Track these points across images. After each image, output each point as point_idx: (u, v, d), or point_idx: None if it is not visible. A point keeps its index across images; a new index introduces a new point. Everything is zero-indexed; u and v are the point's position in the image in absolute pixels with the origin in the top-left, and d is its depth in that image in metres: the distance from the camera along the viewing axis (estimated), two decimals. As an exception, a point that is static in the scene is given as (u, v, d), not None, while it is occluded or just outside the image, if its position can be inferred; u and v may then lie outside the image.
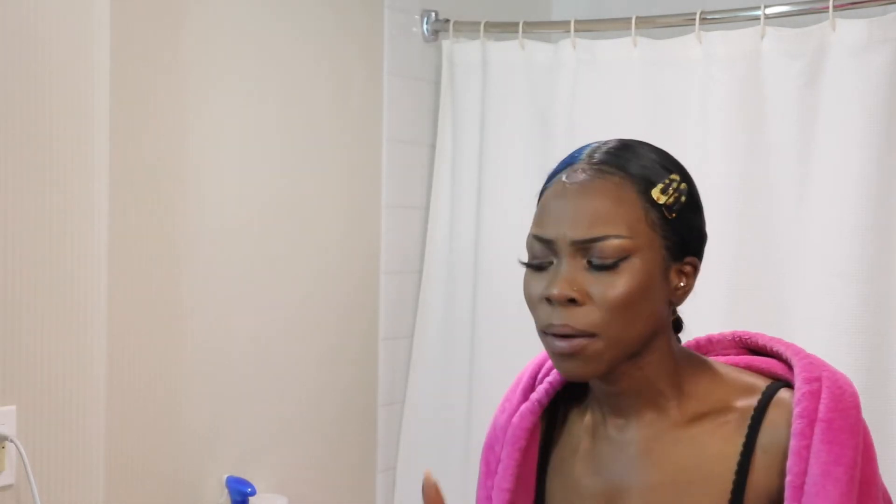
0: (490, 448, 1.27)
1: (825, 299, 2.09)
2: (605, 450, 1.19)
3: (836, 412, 1.08)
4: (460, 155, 2.58)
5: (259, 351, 2.23)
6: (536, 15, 2.88)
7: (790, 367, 1.16)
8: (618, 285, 1.09)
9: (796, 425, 1.08)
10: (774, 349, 1.21)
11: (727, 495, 1.11)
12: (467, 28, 2.57)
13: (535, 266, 1.14)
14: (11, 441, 1.60)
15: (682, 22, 2.31)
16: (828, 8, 2.09)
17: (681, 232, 1.13)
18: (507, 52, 2.52)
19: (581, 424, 1.24)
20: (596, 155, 1.15)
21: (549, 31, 2.70)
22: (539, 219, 1.15)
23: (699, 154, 2.20)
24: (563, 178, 1.14)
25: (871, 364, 2.05)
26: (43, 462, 1.65)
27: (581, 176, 1.13)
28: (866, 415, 1.13)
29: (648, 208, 1.11)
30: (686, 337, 1.26)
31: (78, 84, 1.68)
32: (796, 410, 1.09)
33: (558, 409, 1.27)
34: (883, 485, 1.14)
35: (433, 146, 2.64)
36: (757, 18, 2.18)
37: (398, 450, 2.58)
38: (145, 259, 1.98)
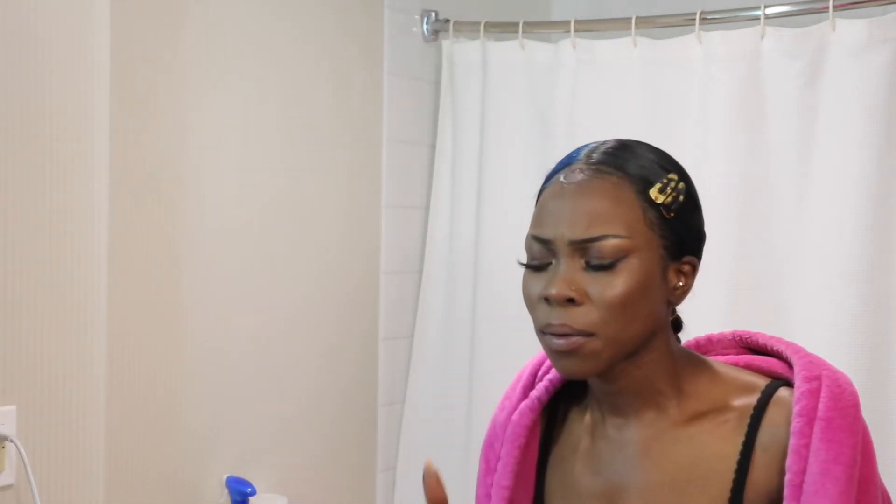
0: (490, 446, 1.27)
1: (825, 299, 2.09)
2: (605, 449, 1.19)
3: (836, 411, 1.08)
4: (460, 155, 2.58)
5: (259, 351, 2.23)
6: (536, 15, 2.88)
7: (790, 366, 1.16)
8: (616, 285, 1.09)
9: (795, 424, 1.09)
10: (774, 348, 1.21)
11: (727, 494, 1.11)
12: (467, 28, 2.57)
13: (534, 266, 1.14)
14: (11, 441, 1.60)
15: (682, 22, 2.31)
16: (828, 8, 2.10)
17: (679, 231, 1.13)
18: (507, 52, 2.52)
19: (581, 423, 1.24)
20: (594, 155, 1.15)
21: (549, 31, 2.70)
22: (537, 219, 1.15)
23: (699, 154, 2.20)
24: (561, 179, 1.15)
25: (871, 364, 2.05)
26: (43, 462, 1.65)
27: (579, 176, 1.13)
28: (866, 414, 1.13)
29: (646, 208, 1.11)
30: (686, 337, 1.27)
31: (78, 84, 1.68)
32: (796, 409, 1.09)
33: (558, 407, 1.27)
34: (882, 483, 1.14)
35: (433, 146, 2.64)
36: (757, 18, 2.18)
37: (398, 450, 2.58)
38: (145, 259, 1.98)
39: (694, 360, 1.19)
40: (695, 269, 1.16)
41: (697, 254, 1.17)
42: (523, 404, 1.25)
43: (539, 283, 1.12)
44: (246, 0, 2.18)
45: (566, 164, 1.17)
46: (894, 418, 2.03)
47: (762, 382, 1.16)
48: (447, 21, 2.59)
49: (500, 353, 2.44)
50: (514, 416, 1.24)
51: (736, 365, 1.22)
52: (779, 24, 2.18)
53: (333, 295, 2.40)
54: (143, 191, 1.98)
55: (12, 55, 1.60)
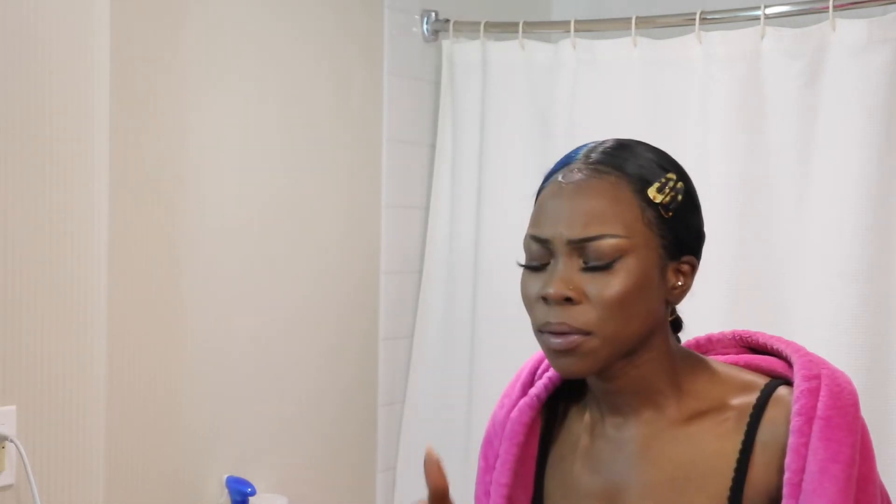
0: (489, 443, 1.27)
1: (825, 299, 2.09)
2: (604, 448, 1.19)
3: (835, 409, 1.08)
4: (460, 155, 2.58)
5: (259, 351, 2.23)
6: (536, 15, 2.88)
7: (790, 366, 1.16)
8: (613, 284, 1.09)
9: (795, 422, 1.09)
10: (774, 347, 1.21)
11: (726, 492, 1.11)
12: (467, 28, 2.57)
13: (533, 266, 1.14)
14: (11, 441, 1.60)
15: (682, 22, 2.31)
16: (828, 8, 2.10)
17: (677, 231, 1.13)
18: (507, 52, 2.52)
19: (580, 422, 1.24)
20: (592, 155, 1.16)
21: (549, 31, 2.70)
22: (535, 218, 1.15)
23: (699, 154, 2.20)
24: (560, 178, 1.15)
25: (871, 364, 2.05)
26: (43, 462, 1.65)
27: (577, 175, 1.14)
28: (866, 414, 1.13)
29: (644, 207, 1.12)
30: (686, 337, 1.27)
31: (78, 84, 1.68)
32: (795, 407, 1.09)
33: (558, 405, 1.27)
34: (881, 482, 1.14)
35: (433, 146, 2.64)
36: (757, 18, 2.18)
37: (398, 450, 2.58)
38: (145, 259, 1.98)
39: (693, 360, 1.19)
40: (694, 268, 1.16)
41: (697, 253, 1.17)
42: (522, 402, 1.25)
43: (537, 283, 1.13)
44: (246, 0, 2.18)
45: (565, 163, 1.17)
46: (894, 418, 2.03)
47: (761, 381, 1.16)
48: (447, 21, 2.59)
49: (500, 353, 2.44)
50: (513, 414, 1.25)
51: (736, 364, 1.22)
52: (779, 24, 2.18)
53: (333, 295, 2.40)
54: (143, 191, 1.98)
55: (12, 55, 1.60)
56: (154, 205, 2.00)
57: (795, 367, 1.14)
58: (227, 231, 2.15)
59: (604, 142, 1.18)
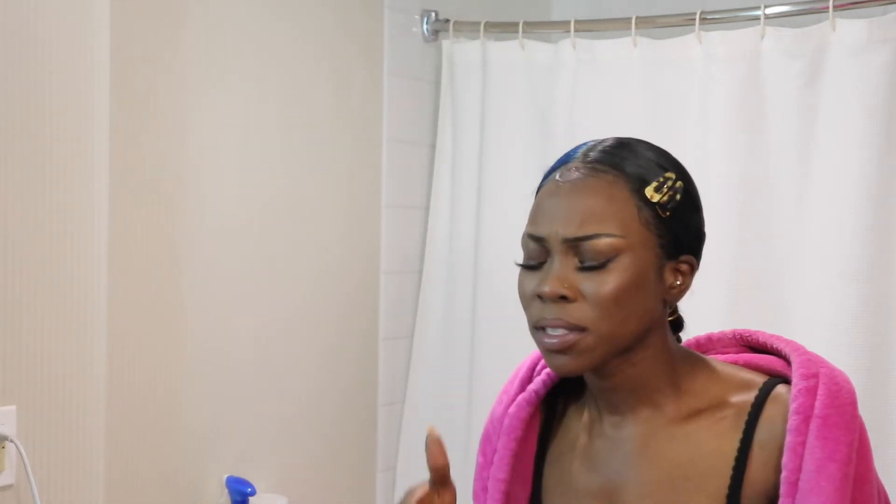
0: (487, 439, 1.28)
1: (825, 299, 2.09)
2: (602, 447, 1.20)
3: (833, 408, 1.09)
4: (460, 155, 2.58)
5: (259, 351, 2.23)
6: (536, 15, 2.88)
7: (790, 364, 1.16)
8: (609, 283, 1.10)
9: (792, 421, 1.09)
10: (774, 346, 1.21)
11: (724, 491, 1.11)
12: (467, 28, 2.57)
13: (530, 265, 1.15)
14: (11, 441, 1.60)
15: (682, 22, 2.31)
16: (828, 8, 2.10)
17: (676, 230, 1.13)
18: (507, 52, 2.52)
19: (579, 421, 1.24)
20: (591, 153, 1.16)
21: (549, 31, 2.70)
22: (533, 217, 1.16)
23: (699, 154, 2.20)
24: (557, 177, 1.15)
25: (871, 364, 2.05)
26: (43, 462, 1.65)
27: (574, 174, 1.14)
28: (866, 415, 1.13)
29: (641, 206, 1.12)
30: (686, 336, 1.27)
31: (78, 84, 1.68)
32: (792, 406, 1.10)
33: (557, 402, 1.27)
34: (879, 481, 1.14)
35: (433, 146, 2.64)
36: (757, 18, 2.18)
37: (398, 450, 2.58)
38: (145, 259, 1.98)
39: (691, 358, 1.19)
40: (693, 268, 1.16)
41: (696, 253, 1.17)
42: (520, 397, 1.25)
43: (533, 281, 1.13)
44: (246, 0, 2.18)
45: (563, 162, 1.18)
46: (894, 418, 2.03)
47: (760, 380, 1.16)
48: (447, 21, 2.59)
49: (500, 353, 2.44)
50: (512, 409, 1.25)
51: (735, 363, 1.22)
52: (779, 24, 2.18)
53: (333, 295, 2.40)
54: (143, 191, 1.98)
55: (12, 55, 1.60)
56: (154, 205, 2.00)
57: (794, 366, 1.14)
58: (227, 231, 2.15)
59: (603, 140, 1.18)
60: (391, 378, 2.57)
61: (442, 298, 2.59)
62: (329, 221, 2.38)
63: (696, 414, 1.15)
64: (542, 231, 1.13)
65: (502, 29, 2.54)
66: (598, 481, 1.19)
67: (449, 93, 2.60)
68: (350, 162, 2.43)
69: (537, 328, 1.13)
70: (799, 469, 1.07)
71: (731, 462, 1.12)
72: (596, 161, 1.14)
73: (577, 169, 1.14)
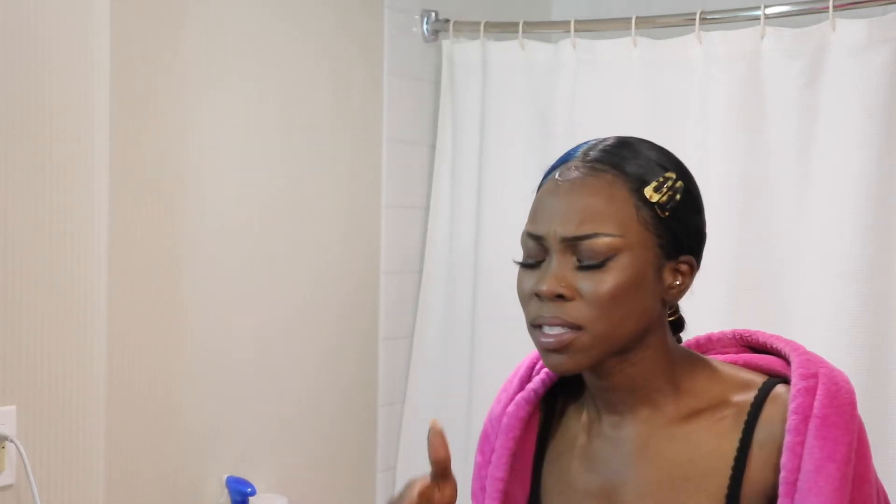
0: (485, 438, 1.28)
1: (825, 299, 2.09)
2: (601, 447, 1.20)
3: (832, 408, 1.09)
4: (460, 155, 2.58)
5: (259, 351, 2.23)
6: (536, 15, 2.88)
7: (790, 364, 1.16)
8: (606, 282, 1.10)
9: (791, 421, 1.09)
10: (774, 346, 1.21)
11: (724, 491, 1.11)
12: (467, 28, 2.57)
13: (529, 263, 1.15)
14: (11, 441, 1.60)
15: (682, 22, 2.31)
16: (828, 8, 2.09)
17: (675, 231, 1.13)
18: (507, 52, 2.52)
19: (578, 421, 1.24)
20: (591, 153, 1.16)
21: (549, 31, 2.70)
22: (532, 215, 1.16)
23: (699, 154, 2.19)
24: (557, 176, 1.16)
25: (871, 364, 2.05)
26: (43, 462, 1.65)
27: (574, 173, 1.14)
28: (866, 415, 1.13)
29: (640, 206, 1.12)
30: (686, 336, 1.27)
31: (78, 84, 1.68)
32: (791, 406, 1.10)
33: (556, 402, 1.27)
34: (878, 481, 1.14)
35: (433, 146, 2.64)
36: (757, 18, 2.18)
37: (398, 450, 2.58)
38: (145, 259, 1.98)
39: (691, 358, 1.19)
40: (693, 268, 1.16)
41: (696, 253, 1.17)
42: (519, 396, 1.25)
43: (532, 279, 1.13)
44: (246, 0, 2.18)
45: (564, 161, 1.18)
46: (894, 418, 2.03)
47: (759, 380, 1.16)
48: (447, 21, 2.59)
49: (500, 353, 2.44)
50: (510, 408, 1.25)
51: (735, 363, 1.22)
52: (779, 24, 2.18)
53: (333, 295, 2.40)
54: (143, 191, 1.98)
55: (12, 55, 1.60)
56: (154, 205, 2.00)
57: (793, 366, 1.14)
58: (227, 231, 2.15)
59: (605, 139, 1.18)
60: (391, 378, 2.56)
61: (442, 298, 2.59)
62: (329, 221, 2.38)
63: (695, 414, 1.15)
64: (540, 230, 1.13)
65: (502, 29, 2.54)
66: (598, 481, 1.19)
67: (449, 93, 2.60)
68: (350, 162, 2.43)
69: (535, 326, 1.13)
70: (798, 469, 1.07)
71: (730, 462, 1.12)
72: (596, 160, 1.14)
73: (577, 168, 1.14)
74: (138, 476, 1.99)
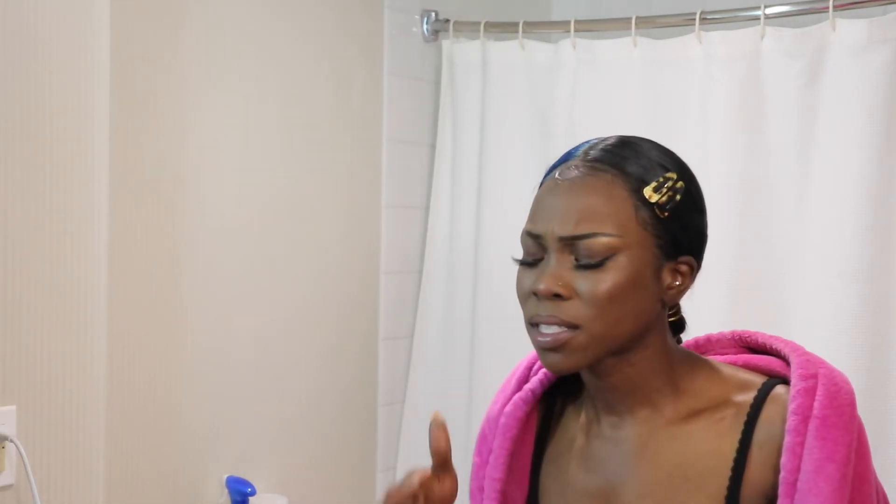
0: (483, 439, 1.27)
1: (825, 299, 2.09)
2: (600, 447, 1.19)
3: (831, 409, 1.09)
4: (460, 155, 2.58)
5: (259, 351, 2.23)
6: (536, 15, 2.88)
7: (789, 365, 1.16)
8: (604, 282, 1.10)
9: (791, 421, 1.09)
10: (773, 347, 1.21)
11: (723, 491, 1.11)
12: (467, 28, 2.57)
13: (528, 262, 1.15)
14: (11, 441, 1.60)
15: (682, 22, 2.31)
16: (828, 8, 2.09)
17: (674, 231, 1.13)
18: (507, 52, 2.52)
19: (576, 422, 1.24)
20: (591, 152, 1.16)
21: (549, 31, 2.70)
22: (531, 214, 1.16)
23: (699, 154, 2.19)
24: (557, 175, 1.16)
25: (871, 364, 2.04)
26: (43, 462, 1.65)
27: (573, 173, 1.14)
28: (866, 415, 1.13)
29: (639, 206, 1.11)
30: (686, 337, 1.26)
31: (78, 84, 1.68)
32: (791, 407, 1.10)
33: (555, 402, 1.27)
34: (878, 482, 1.14)
35: (433, 146, 2.64)
36: (757, 18, 2.18)
37: (398, 450, 2.58)
38: (145, 259, 1.98)
39: (691, 359, 1.19)
40: (693, 269, 1.16)
41: (696, 254, 1.16)
42: (517, 396, 1.25)
43: (530, 278, 1.13)
44: (246, 0, 2.18)
45: (565, 159, 1.18)
46: (894, 418, 2.03)
47: (759, 380, 1.16)
48: (447, 21, 2.59)
49: (500, 353, 2.44)
50: (507, 408, 1.25)
51: (734, 364, 1.22)
52: (779, 24, 2.18)
53: (333, 295, 2.40)
54: (143, 191, 1.98)
55: (12, 55, 1.60)
56: (154, 205, 2.00)
57: (793, 367, 1.14)
58: (227, 231, 2.15)
59: (606, 139, 1.18)
60: (391, 378, 2.56)
61: (442, 298, 2.59)
62: (329, 221, 2.38)
63: (694, 414, 1.15)
64: (539, 228, 1.13)
65: (502, 29, 2.54)
66: (597, 482, 1.19)
67: (449, 93, 2.60)
68: (350, 162, 2.43)
69: (532, 325, 1.13)
70: (797, 469, 1.07)
71: (729, 462, 1.12)
72: (596, 160, 1.14)
73: (577, 167, 1.14)
74: (138, 476, 1.99)
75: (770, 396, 1.13)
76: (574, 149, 1.19)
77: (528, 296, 1.13)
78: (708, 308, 2.04)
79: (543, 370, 1.26)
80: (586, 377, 1.19)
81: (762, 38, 2.18)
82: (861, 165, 2.06)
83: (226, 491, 2.15)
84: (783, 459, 1.08)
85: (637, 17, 2.33)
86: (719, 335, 1.29)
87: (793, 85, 2.15)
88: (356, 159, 2.45)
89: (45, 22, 1.63)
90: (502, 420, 1.25)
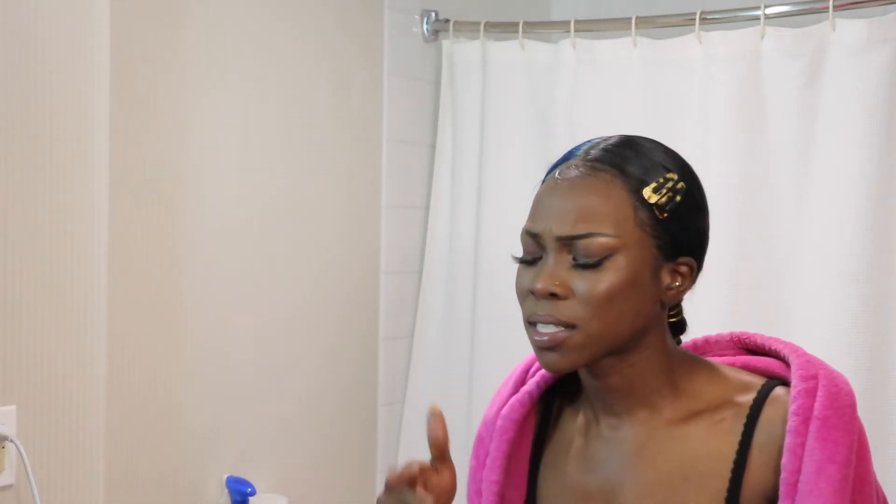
0: (480, 442, 1.27)
1: (825, 299, 2.09)
2: (599, 449, 1.19)
3: (832, 410, 1.08)
4: (460, 155, 2.58)
5: (259, 351, 2.23)
6: (536, 15, 2.88)
7: (788, 366, 1.16)
8: (602, 282, 1.10)
9: (791, 422, 1.09)
10: (772, 348, 1.21)
11: (723, 493, 1.11)
12: (467, 28, 2.57)
13: (527, 260, 1.15)
14: (11, 441, 1.60)
15: (682, 22, 2.31)
16: (828, 8, 2.09)
17: (673, 232, 1.12)
18: (507, 52, 2.52)
19: (574, 423, 1.23)
20: (592, 152, 1.15)
21: (549, 31, 2.70)
22: (531, 213, 1.16)
23: (699, 154, 2.19)
24: (556, 174, 1.16)
25: (871, 364, 2.04)
26: (43, 462, 1.65)
27: (573, 172, 1.14)
28: (866, 415, 1.13)
29: (638, 207, 1.11)
30: (685, 338, 1.26)
31: (78, 84, 1.68)
32: (792, 408, 1.09)
33: (553, 403, 1.27)
34: (878, 483, 1.14)
35: (433, 146, 2.64)
36: (757, 18, 2.18)
37: (398, 450, 2.58)
38: (145, 259, 1.98)
39: (690, 360, 1.19)
40: (693, 269, 1.15)
41: (697, 255, 1.16)
42: (513, 398, 1.25)
43: (529, 276, 1.14)
44: (246, 0, 2.18)
45: (565, 159, 1.18)
46: (894, 418, 2.03)
47: (759, 381, 1.16)
48: (447, 21, 2.59)
49: (500, 353, 2.44)
50: (504, 411, 1.25)
51: (733, 365, 1.21)
52: (779, 24, 2.18)
53: (333, 295, 2.40)
54: (143, 191, 1.98)
55: (12, 55, 1.60)
56: (154, 205, 2.00)
57: (793, 368, 1.14)
58: (227, 231, 2.15)
59: (609, 138, 1.18)
60: (391, 378, 2.56)
61: (442, 298, 2.59)
62: (329, 221, 2.38)
63: (694, 415, 1.15)
64: (537, 228, 1.13)
65: (502, 29, 2.54)
66: (596, 483, 1.18)
67: (449, 93, 2.60)
68: (350, 162, 2.43)
69: (530, 323, 1.13)
70: (798, 470, 1.07)
71: (729, 464, 1.11)
72: (596, 160, 1.14)
73: (577, 167, 1.14)
74: (138, 476, 1.99)
75: (770, 398, 1.13)
76: (576, 148, 1.18)
77: (526, 294, 1.14)
78: (708, 308, 2.04)
79: (541, 372, 1.25)
80: (585, 378, 1.19)
81: (762, 38, 2.18)
82: (861, 165, 2.06)
83: (226, 491, 2.15)
84: (784, 460, 1.08)
85: (637, 17, 2.33)
86: (718, 337, 1.28)
87: (793, 85, 2.15)
88: (356, 159, 2.45)
89: (45, 22, 1.63)
90: (499, 422, 1.24)
